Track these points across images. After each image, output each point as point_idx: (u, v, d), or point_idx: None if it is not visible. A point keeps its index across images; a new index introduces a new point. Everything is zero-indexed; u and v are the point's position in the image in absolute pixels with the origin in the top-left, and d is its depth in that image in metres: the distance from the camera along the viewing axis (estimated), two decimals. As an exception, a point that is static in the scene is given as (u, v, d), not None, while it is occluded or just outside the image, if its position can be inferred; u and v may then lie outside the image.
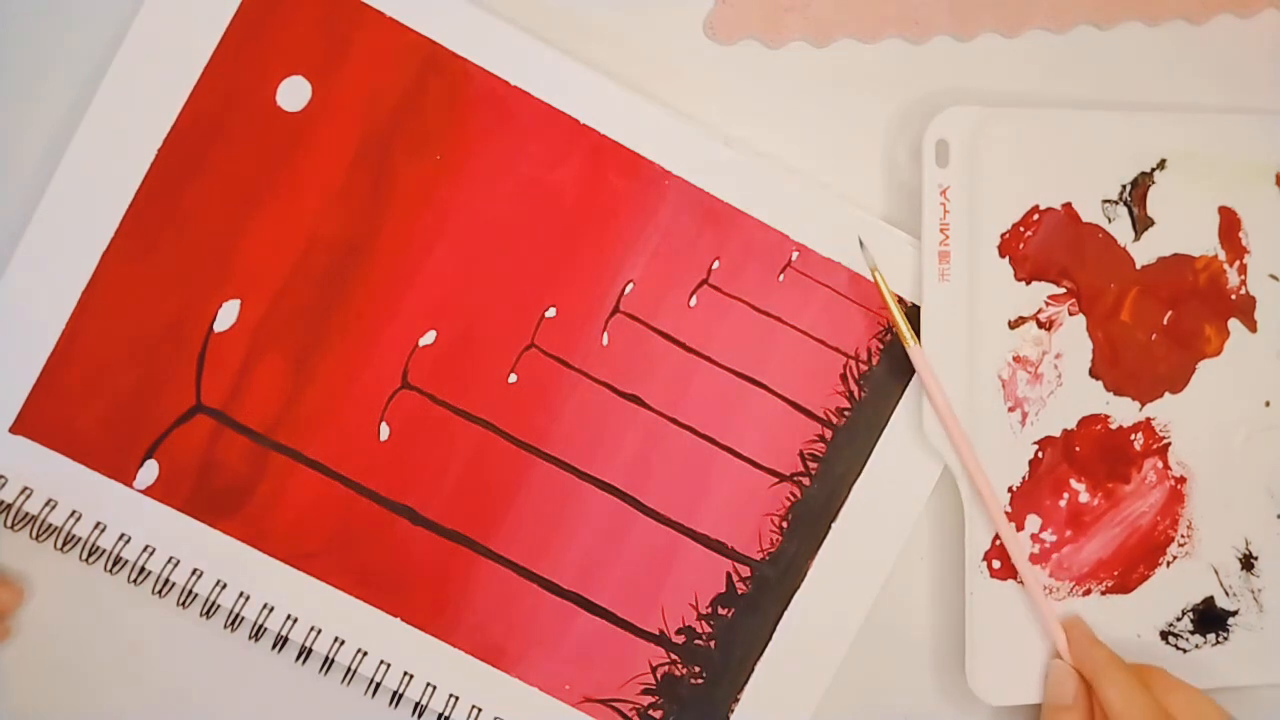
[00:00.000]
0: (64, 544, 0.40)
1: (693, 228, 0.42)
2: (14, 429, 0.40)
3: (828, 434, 0.43)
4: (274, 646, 0.41)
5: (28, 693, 0.41)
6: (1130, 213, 0.43)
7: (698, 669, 0.42)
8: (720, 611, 0.43)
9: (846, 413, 0.43)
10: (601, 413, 0.42)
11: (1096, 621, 0.43)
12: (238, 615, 0.41)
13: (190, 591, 0.41)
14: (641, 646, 0.42)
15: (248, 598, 0.41)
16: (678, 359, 0.42)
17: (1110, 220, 0.43)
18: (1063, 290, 0.43)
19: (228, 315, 0.41)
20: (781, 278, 0.42)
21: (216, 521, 0.41)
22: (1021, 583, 0.42)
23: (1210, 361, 0.44)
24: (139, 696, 0.42)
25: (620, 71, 0.42)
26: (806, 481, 0.43)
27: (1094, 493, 0.43)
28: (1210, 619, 0.44)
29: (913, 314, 0.42)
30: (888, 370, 0.43)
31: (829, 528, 0.43)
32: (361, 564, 0.41)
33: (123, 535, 0.40)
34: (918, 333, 0.41)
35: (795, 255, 0.42)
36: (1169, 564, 0.44)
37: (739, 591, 0.43)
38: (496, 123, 0.41)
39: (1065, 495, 0.43)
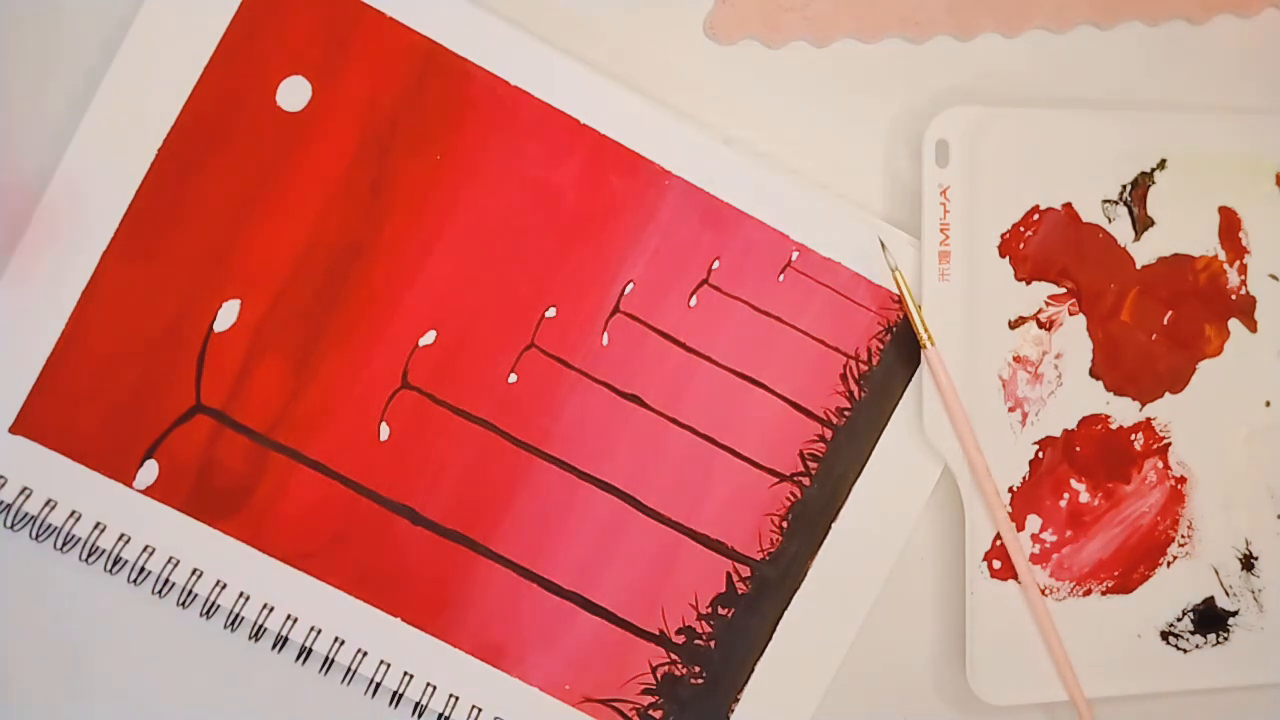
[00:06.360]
0: (64, 544, 0.40)
1: (693, 228, 0.42)
2: (14, 429, 0.40)
3: (828, 434, 0.43)
4: (274, 646, 0.41)
5: (29, 693, 0.41)
6: (1130, 213, 0.43)
7: (698, 669, 0.42)
8: (720, 611, 0.43)
9: (846, 413, 0.43)
10: (601, 413, 0.42)
11: (1097, 622, 0.43)
12: (238, 615, 0.41)
13: (190, 591, 0.41)
14: (641, 646, 0.42)
15: (248, 598, 0.41)
16: (678, 359, 0.42)
17: (1110, 220, 0.43)
18: (1063, 290, 0.43)
19: (228, 315, 0.41)
20: (781, 278, 0.42)
21: (216, 521, 0.41)
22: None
23: (1210, 361, 0.44)
24: (139, 696, 0.42)
25: (620, 71, 0.42)
26: (806, 481, 0.43)
27: (1094, 493, 0.43)
28: (1210, 619, 0.44)
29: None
30: (888, 370, 0.43)
31: (829, 528, 0.43)
32: (361, 564, 0.41)
33: (123, 535, 0.40)
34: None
35: (795, 255, 0.42)
36: (1169, 564, 0.44)
37: (739, 591, 0.43)
38: (496, 123, 0.41)
39: (1065, 495, 0.43)
